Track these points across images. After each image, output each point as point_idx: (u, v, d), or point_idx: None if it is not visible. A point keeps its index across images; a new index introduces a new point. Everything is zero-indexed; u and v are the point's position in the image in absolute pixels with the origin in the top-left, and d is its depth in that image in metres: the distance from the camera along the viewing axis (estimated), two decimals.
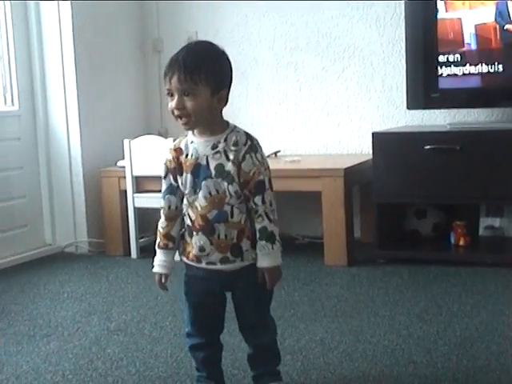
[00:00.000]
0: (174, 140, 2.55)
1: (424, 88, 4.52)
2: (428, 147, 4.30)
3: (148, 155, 4.75)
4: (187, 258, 2.51)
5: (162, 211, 2.51)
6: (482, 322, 3.34)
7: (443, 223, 4.70)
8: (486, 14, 4.35)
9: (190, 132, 2.46)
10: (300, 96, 5.26)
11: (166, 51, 5.58)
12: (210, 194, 2.40)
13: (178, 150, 2.47)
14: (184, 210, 2.47)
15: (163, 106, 5.62)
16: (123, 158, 4.88)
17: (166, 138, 4.85)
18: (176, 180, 2.47)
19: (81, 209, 5.16)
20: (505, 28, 4.33)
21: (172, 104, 2.34)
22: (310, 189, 4.47)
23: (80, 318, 3.69)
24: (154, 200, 4.61)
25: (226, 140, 2.40)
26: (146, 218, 4.96)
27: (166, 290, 2.54)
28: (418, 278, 4.16)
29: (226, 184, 2.39)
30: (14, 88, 5.03)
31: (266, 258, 2.41)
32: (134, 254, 4.96)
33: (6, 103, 5.04)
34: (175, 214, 2.50)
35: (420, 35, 4.50)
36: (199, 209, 2.42)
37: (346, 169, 4.43)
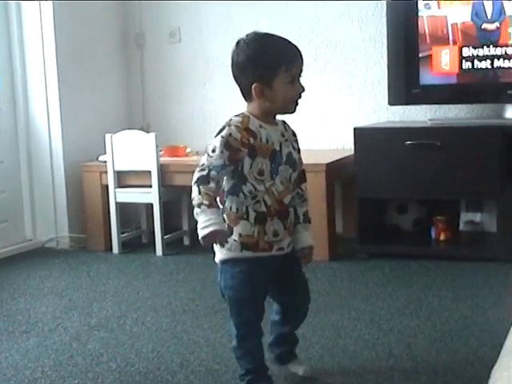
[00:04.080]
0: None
1: (405, 84, 4.54)
2: (409, 143, 4.32)
3: (130, 150, 4.73)
4: (253, 249, 2.46)
5: (211, 181, 2.36)
6: (462, 316, 3.37)
7: (424, 218, 4.72)
8: (467, 13, 4.38)
9: (250, 116, 2.46)
10: None
11: (148, 46, 5.57)
12: (285, 179, 2.48)
13: (249, 131, 2.42)
14: (258, 196, 2.43)
15: (145, 100, 5.61)
16: (105, 153, 4.87)
17: (147, 132, 4.85)
18: (233, 160, 2.39)
19: (62, 204, 5.13)
20: (482, 27, 4.36)
21: (303, 87, 2.46)
22: None
23: (60, 314, 3.68)
24: (135, 195, 4.62)
25: (286, 129, 2.55)
26: (128, 213, 4.95)
27: (226, 242, 2.45)
28: (399, 272, 4.17)
29: (291, 171, 2.51)
30: None
31: (309, 237, 2.57)
32: (115, 249, 4.95)
33: None
34: (218, 190, 2.42)
35: (401, 32, 4.51)
36: (276, 194, 2.46)
37: (327, 164, 4.44)
